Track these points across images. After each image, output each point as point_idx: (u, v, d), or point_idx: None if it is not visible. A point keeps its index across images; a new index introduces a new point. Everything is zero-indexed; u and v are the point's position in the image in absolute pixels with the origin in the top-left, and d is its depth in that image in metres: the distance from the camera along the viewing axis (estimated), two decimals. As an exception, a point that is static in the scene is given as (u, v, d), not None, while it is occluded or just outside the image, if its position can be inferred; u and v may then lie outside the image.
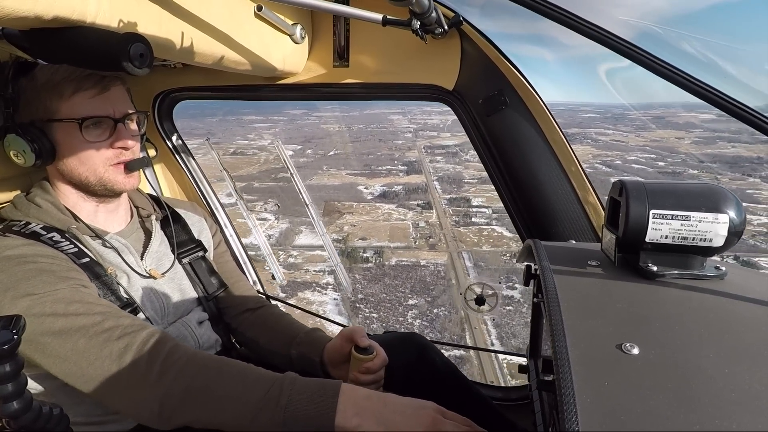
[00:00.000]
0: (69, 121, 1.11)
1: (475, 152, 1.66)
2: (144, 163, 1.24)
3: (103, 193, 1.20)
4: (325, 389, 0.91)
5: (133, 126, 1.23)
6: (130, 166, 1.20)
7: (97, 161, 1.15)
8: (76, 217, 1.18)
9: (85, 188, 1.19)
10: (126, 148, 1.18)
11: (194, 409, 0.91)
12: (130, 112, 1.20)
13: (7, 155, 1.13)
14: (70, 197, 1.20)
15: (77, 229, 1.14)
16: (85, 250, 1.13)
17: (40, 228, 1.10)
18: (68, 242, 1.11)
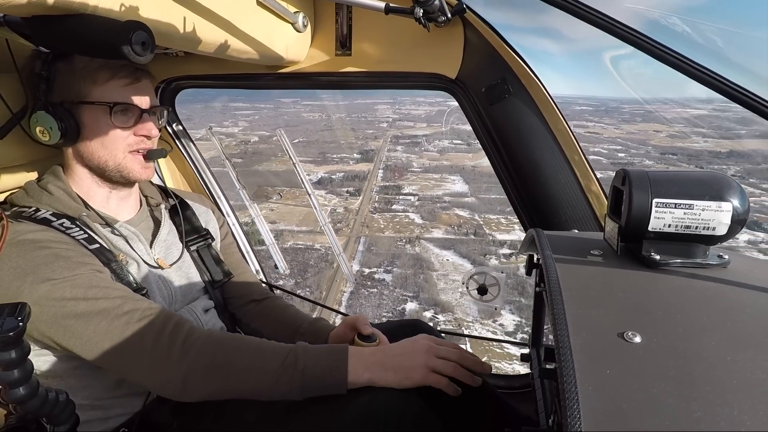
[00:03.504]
0: (100, 105, 1.14)
1: (478, 141, 1.65)
2: (161, 155, 1.29)
3: (117, 179, 1.22)
4: (335, 353, 1.03)
5: (156, 118, 1.27)
6: (148, 156, 1.24)
7: (119, 146, 1.19)
8: (87, 205, 1.19)
9: (101, 173, 1.21)
10: (148, 137, 1.23)
11: (217, 382, 1.00)
12: (156, 104, 1.26)
13: (32, 132, 1.15)
14: (84, 182, 1.22)
15: (87, 217, 1.15)
16: (96, 237, 1.14)
17: (50, 215, 1.11)
18: (79, 229, 1.12)
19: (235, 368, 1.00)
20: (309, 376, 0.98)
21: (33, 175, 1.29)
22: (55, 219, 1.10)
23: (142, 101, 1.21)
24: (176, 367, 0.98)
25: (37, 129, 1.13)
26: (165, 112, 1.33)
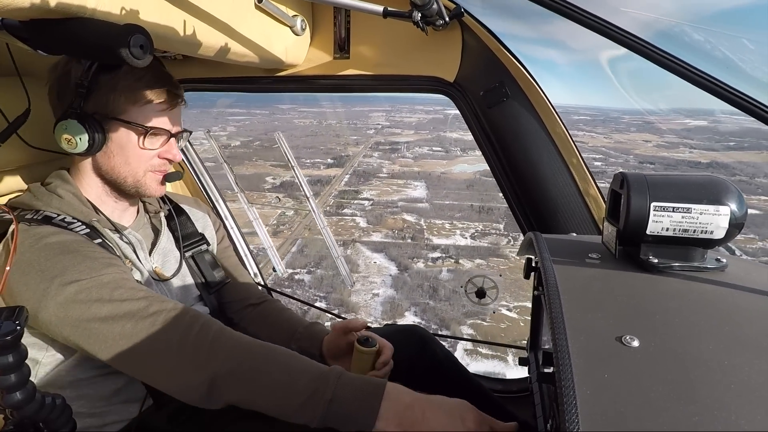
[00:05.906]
0: (136, 126, 1.15)
1: (476, 144, 1.65)
2: (178, 177, 1.32)
3: (132, 193, 1.23)
4: (370, 389, 0.91)
5: (183, 141, 1.31)
6: (168, 178, 1.26)
7: (142, 167, 1.20)
8: (97, 210, 1.19)
9: (117, 185, 1.21)
10: (171, 161, 1.24)
11: (241, 392, 0.93)
12: (183, 130, 1.27)
13: (57, 138, 1.12)
14: (94, 189, 1.21)
15: (98, 222, 1.15)
16: (107, 242, 1.14)
17: (62, 219, 1.10)
18: (93, 233, 1.12)
19: (260, 381, 0.93)
20: (335, 409, 0.88)
21: (29, 179, 1.28)
22: (74, 222, 1.10)
23: (173, 126, 1.22)
24: (201, 372, 0.93)
25: (64, 137, 1.11)
26: (188, 135, 1.33)
